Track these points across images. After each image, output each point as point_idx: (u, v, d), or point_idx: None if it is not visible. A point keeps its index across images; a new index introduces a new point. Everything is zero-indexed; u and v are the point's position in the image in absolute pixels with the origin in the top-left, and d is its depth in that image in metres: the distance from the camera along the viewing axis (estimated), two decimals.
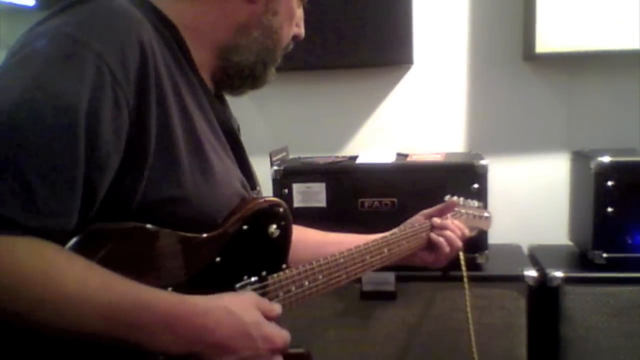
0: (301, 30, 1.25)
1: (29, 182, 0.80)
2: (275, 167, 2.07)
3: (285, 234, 1.18)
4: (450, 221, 1.54)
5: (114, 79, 0.89)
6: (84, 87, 0.86)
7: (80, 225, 0.88)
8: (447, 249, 1.50)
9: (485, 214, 1.74)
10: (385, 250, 1.41)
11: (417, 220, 1.56)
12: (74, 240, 0.88)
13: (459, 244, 1.52)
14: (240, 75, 1.18)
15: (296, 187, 2.07)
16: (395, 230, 1.49)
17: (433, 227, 1.53)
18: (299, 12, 1.25)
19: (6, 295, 0.79)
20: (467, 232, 1.56)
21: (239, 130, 1.29)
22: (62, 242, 0.86)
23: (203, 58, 1.13)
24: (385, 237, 1.43)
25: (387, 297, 1.97)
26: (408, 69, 2.49)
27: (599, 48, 2.19)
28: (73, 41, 0.89)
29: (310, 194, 2.04)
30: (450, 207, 1.59)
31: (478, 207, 1.72)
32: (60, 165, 0.84)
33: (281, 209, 1.17)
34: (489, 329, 1.95)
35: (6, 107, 0.82)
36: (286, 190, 2.06)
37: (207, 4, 1.11)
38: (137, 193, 0.94)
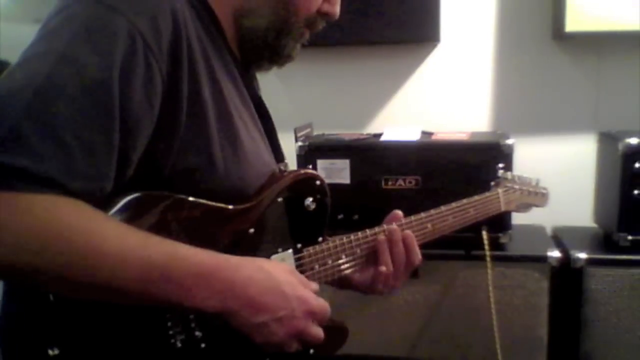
0: (332, 8, 1.18)
1: (68, 145, 0.82)
2: (300, 143, 2.08)
3: (322, 207, 1.19)
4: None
5: (147, 46, 0.90)
6: (116, 54, 0.87)
7: (114, 190, 0.90)
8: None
9: (542, 191, 1.71)
10: (429, 225, 1.37)
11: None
12: (113, 208, 0.90)
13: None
14: (255, 43, 1.15)
15: (320, 163, 2.08)
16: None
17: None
18: None
19: (47, 252, 0.80)
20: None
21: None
22: (98, 206, 0.87)
23: (229, 28, 1.13)
24: (430, 212, 1.39)
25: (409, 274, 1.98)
26: (434, 46, 2.47)
27: (629, 28, 2.15)
28: (105, 8, 0.89)
29: (335, 171, 2.05)
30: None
31: (535, 184, 1.70)
32: (97, 131, 0.85)
33: (318, 182, 1.18)
34: (510, 309, 1.96)
35: (42, 74, 0.83)
36: (310, 166, 2.07)
37: None
38: (168, 161, 0.96)
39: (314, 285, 1.06)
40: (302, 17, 1.16)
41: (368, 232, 1.27)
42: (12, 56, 0.92)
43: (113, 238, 0.85)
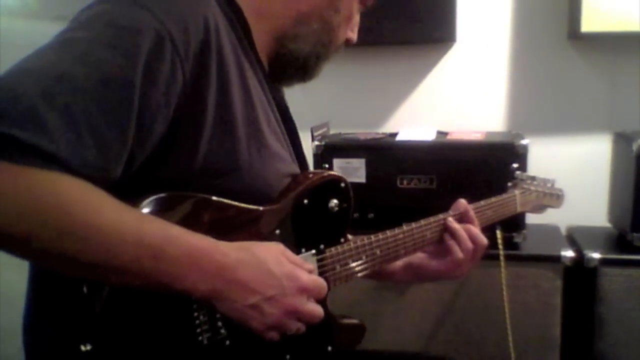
0: (354, 36, 1.30)
1: (82, 134, 0.83)
2: (317, 142, 2.11)
3: (346, 209, 1.21)
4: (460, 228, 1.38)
5: (174, 46, 0.92)
6: (142, 52, 0.89)
7: (142, 189, 0.93)
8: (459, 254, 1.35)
9: (558, 192, 1.71)
10: None
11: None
12: (137, 207, 0.92)
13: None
14: (294, 64, 1.22)
15: (336, 162, 2.10)
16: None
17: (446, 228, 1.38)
18: (356, 18, 1.29)
19: (46, 222, 0.80)
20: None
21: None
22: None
23: (263, 42, 1.18)
24: (448, 213, 1.40)
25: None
26: (451, 46, 2.49)
27: None
28: (138, 6, 0.92)
29: (350, 169, 2.07)
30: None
31: (551, 186, 1.70)
32: (113, 125, 0.86)
33: (342, 184, 1.20)
34: (523, 308, 1.97)
35: (67, 62, 0.86)
36: (326, 165, 2.09)
37: None
38: (195, 163, 0.98)
39: (308, 265, 1.06)
40: (338, 45, 1.27)
41: (388, 233, 1.29)
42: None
43: (110, 213, 0.85)
